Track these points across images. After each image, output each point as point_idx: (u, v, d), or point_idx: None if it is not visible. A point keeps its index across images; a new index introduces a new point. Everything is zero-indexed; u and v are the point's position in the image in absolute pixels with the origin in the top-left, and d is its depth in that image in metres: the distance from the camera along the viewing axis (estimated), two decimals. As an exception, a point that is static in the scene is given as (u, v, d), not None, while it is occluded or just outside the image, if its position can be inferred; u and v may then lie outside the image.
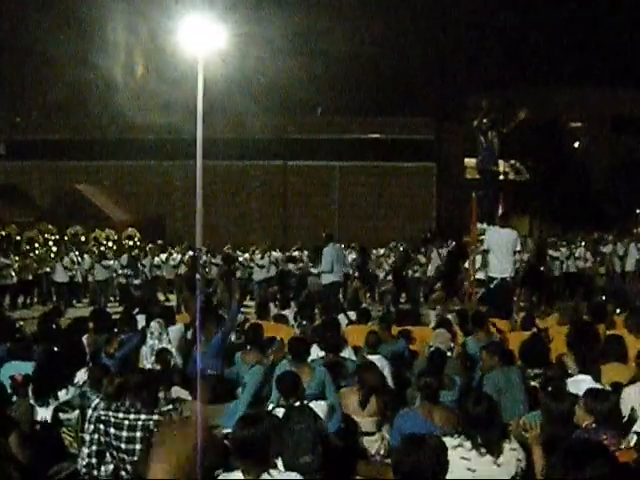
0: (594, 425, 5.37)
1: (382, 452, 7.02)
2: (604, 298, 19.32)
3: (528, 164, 47.02)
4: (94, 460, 6.26)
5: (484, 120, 16.17)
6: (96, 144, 44.61)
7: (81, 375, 8.43)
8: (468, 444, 5.31)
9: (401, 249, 25.08)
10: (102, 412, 6.29)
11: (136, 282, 23.37)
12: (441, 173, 45.31)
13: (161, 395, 7.44)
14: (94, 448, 6.27)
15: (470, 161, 20.28)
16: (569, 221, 39.08)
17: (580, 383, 6.88)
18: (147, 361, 10.51)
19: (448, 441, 5.22)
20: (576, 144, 50.52)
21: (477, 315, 11.15)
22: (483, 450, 5.27)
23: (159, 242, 27.28)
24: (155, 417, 6.19)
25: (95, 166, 45.05)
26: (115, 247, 29.55)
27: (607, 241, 24.81)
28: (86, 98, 41.18)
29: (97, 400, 6.84)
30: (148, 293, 22.02)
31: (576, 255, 23.04)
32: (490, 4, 56.51)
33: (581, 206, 42.58)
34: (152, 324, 11.01)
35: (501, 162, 16.97)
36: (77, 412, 7.00)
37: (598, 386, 6.79)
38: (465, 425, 5.48)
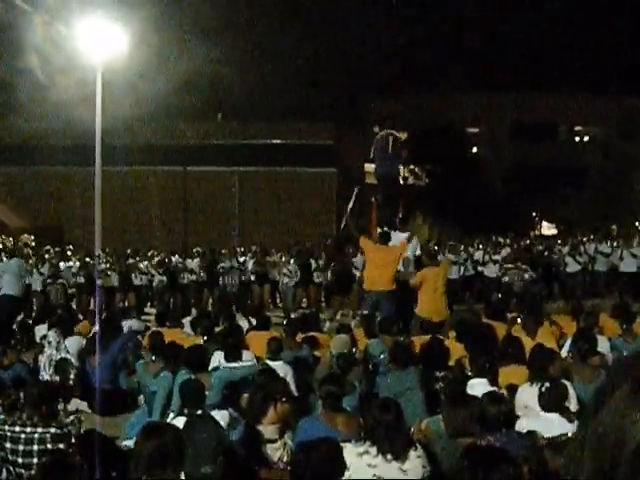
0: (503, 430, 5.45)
1: (285, 459, 7.02)
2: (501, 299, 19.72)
3: (427, 169, 47.69)
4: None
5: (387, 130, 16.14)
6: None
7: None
8: (374, 450, 5.33)
9: (300, 252, 25.01)
10: (-2, 426, 6.16)
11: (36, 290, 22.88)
12: (341, 178, 45.53)
13: (60, 407, 7.32)
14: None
15: (370, 166, 20.46)
16: (468, 225, 39.76)
17: (476, 386, 6.98)
18: (45, 372, 10.32)
19: (353, 448, 5.25)
20: (474, 149, 51.48)
21: (385, 320, 11.28)
22: (389, 456, 5.30)
23: (56, 249, 26.77)
24: (52, 430, 6.08)
25: (-10, 171, 44.03)
26: (10, 254, 28.89)
27: (504, 244, 25.30)
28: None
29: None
30: (46, 301, 21.58)
31: (475, 258, 23.36)
32: (391, 9, 57.16)
33: (480, 210, 43.28)
34: (50, 333, 10.84)
35: (400, 167, 17.06)
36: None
37: (494, 389, 6.91)
38: (371, 431, 5.50)
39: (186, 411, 6.74)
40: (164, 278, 23.51)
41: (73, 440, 6.09)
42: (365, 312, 13.76)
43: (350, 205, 16.36)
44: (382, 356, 9.27)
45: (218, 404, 7.36)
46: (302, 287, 22.62)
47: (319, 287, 23.10)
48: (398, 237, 14.56)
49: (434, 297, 13.16)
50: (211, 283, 23.16)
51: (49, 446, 5.99)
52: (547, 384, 6.43)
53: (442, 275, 13.43)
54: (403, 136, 16.19)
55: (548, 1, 63.53)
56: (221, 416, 6.67)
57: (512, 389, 7.29)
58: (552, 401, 6.31)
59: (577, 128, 53.65)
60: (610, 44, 53.52)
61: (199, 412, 6.53)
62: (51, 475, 4.55)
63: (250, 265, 23.81)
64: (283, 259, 24.68)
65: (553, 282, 23.57)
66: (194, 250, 26.86)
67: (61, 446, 5.97)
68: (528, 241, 20.71)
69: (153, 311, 19.87)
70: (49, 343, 10.61)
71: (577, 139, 54.21)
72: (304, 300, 22.72)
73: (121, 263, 23.67)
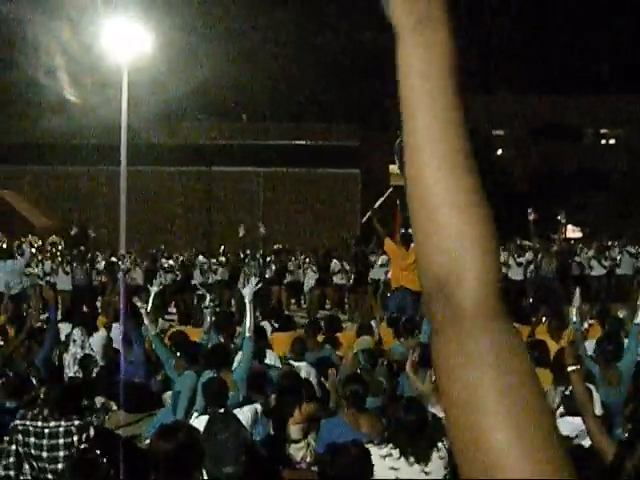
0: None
1: (308, 459, 7.02)
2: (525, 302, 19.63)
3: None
4: (12, 472, 6.12)
5: None
6: (18, 149, 43.77)
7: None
8: (396, 453, 5.30)
9: (322, 254, 24.98)
10: (19, 421, 6.17)
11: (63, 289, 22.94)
12: (365, 179, 45.41)
13: (85, 404, 7.35)
14: (11, 460, 6.13)
15: (394, 167, 20.35)
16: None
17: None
18: (69, 369, 10.37)
19: (376, 450, 5.23)
20: (499, 151, 51.26)
21: (409, 321, 11.23)
22: (412, 459, 5.27)
23: (81, 248, 26.89)
24: (76, 422, 6.10)
25: (17, 171, 44.22)
26: (40, 254, 29.02)
27: (529, 247, 25.14)
28: (8, 101, 40.40)
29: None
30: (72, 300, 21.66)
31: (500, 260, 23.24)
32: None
33: (504, 213, 43.02)
34: (74, 331, 10.88)
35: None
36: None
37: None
38: (393, 433, 5.48)
39: (209, 410, 6.73)
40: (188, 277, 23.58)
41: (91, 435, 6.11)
42: (387, 313, 13.75)
43: (379, 202, 16.34)
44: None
45: (240, 403, 7.35)
46: (322, 288, 22.63)
47: (341, 288, 23.05)
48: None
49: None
50: (234, 283, 23.16)
51: (75, 438, 6.01)
52: (571, 388, 6.37)
53: None
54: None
55: (575, 2, 63.17)
56: (243, 415, 6.62)
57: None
58: (573, 406, 6.25)
59: (603, 131, 53.27)
60: (637, 46, 53.18)
61: (222, 410, 6.51)
62: (78, 473, 4.57)
63: (273, 266, 23.81)
64: (307, 260, 24.66)
65: (578, 285, 23.41)
66: (221, 250, 26.88)
67: (82, 438, 5.99)
68: (553, 244, 20.55)
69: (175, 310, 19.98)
70: (74, 341, 10.66)
71: (603, 142, 53.84)
72: (327, 301, 22.73)
73: (146, 263, 23.76)
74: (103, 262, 24.28)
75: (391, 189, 17.47)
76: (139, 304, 9.82)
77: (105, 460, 4.69)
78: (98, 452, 5.10)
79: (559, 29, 60.02)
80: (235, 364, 8.70)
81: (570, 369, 5.69)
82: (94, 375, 10.23)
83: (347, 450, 4.59)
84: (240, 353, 8.41)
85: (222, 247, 27.24)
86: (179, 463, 4.51)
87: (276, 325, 12.97)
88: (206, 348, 9.31)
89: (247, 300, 7.96)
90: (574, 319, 8.16)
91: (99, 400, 9.16)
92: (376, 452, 5.22)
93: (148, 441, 6.95)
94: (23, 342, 9.98)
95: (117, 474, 4.95)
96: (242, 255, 23.12)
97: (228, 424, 5.87)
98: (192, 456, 4.61)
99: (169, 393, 9.33)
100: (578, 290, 8.37)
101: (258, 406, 6.73)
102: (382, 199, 16.53)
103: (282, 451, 7.05)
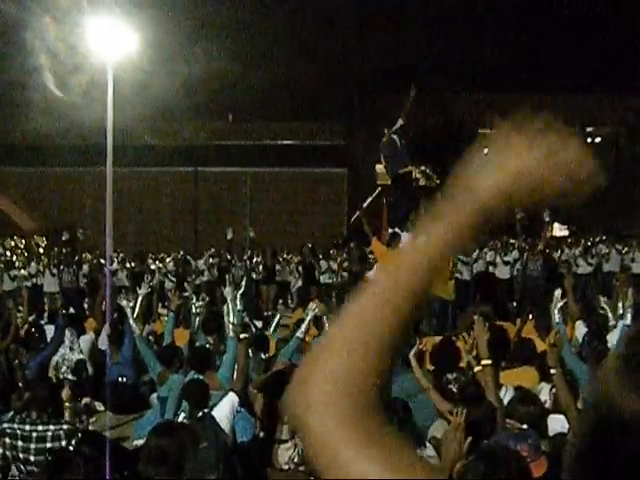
0: (516, 431, 5.40)
1: (296, 460, 7.00)
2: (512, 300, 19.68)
3: (438, 170, 47.56)
4: (-2, 475, 6.10)
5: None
6: (2, 150, 43.60)
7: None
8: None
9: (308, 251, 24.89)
10: (6, 425, 6.14)
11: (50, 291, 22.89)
12: (352, 179, 45.43)
13: (71, 405, 7.31)
14: (-2, 463, 6.11)
15: (381, 167, 20.27)
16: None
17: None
18: (58, 371, 10.33)
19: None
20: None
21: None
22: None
23: (67, 250, 26.82)
24: (65, 427, 6.08)
25: (2, 172, 44.04)
26: (25, 256, 28.95)
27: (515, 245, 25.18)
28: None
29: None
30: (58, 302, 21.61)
31: (486, 259, 23.23)
32: (404, 8, 57.10)
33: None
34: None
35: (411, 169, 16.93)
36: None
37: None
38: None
39: (192, 414, 6.69)
40: (175, 279, 23.52)
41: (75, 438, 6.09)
42: None
43: (368, 201, 16.30)
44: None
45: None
46: (307, 287, 22.60)
47: (328, 287, 23.01)
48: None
49: (445, 276, 13.47)
50: (222, 284, 23.10)
51: (63, 443, 6.00)
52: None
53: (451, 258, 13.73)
54: (400, 123, 15.98)
55: (559, 1, 63.40)
56: (226, 404, 6.54)
57: (520, 390, 7.25)
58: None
59: (588, 129, 53.41)
60: (622, 44, 53.38)
61: (202, 414, 6.44)
62: (53, 473, 4.55)
63: (260, 267, 23.79)
64: (294, 260, 24.66)
65: (563, 284, 23.41)
66: (211, 252, 26.86)
67: (71, 443, 5.97)
68: (539, 242, 20.61)
69: (164, 312, 19.88)
70: (63, 343, 10.62)
71: (588, 140, 53.99)
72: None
73: (133, 264, 23.73)
74: (89, 264, 24.19)
75: (380, 189, 17.41)
76: (124, 303, 9.78)
77: (86, 461, 4.65)
78: (82, 453, 5.06)
79: (543, 28, 60.19)
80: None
81: (552, 372, 5.80)
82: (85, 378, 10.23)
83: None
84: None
85: (212, 249, 27.19)
86: (174, 459, 4.49)
87: (259, 325, 12.97)
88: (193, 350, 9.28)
89: (229, 299, 7.93)
90: (556, 319, 8.22)
91: (84, 401, 9.13)
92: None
93: (137, 442, 6.92)
94: (8, 345, 9.94)
95: (103, 475, 4.92)
96: (229, 256, 23.08)
97: (207, 432, 5.84)
98: (186, 454, 4.60)
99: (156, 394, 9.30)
100: (558, 291, 8.43)
101: (234, 397, 6.65)
102: (371, 199, 16.48)
103: (269, 452, 7.03)
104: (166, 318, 15.47)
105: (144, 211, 44.55)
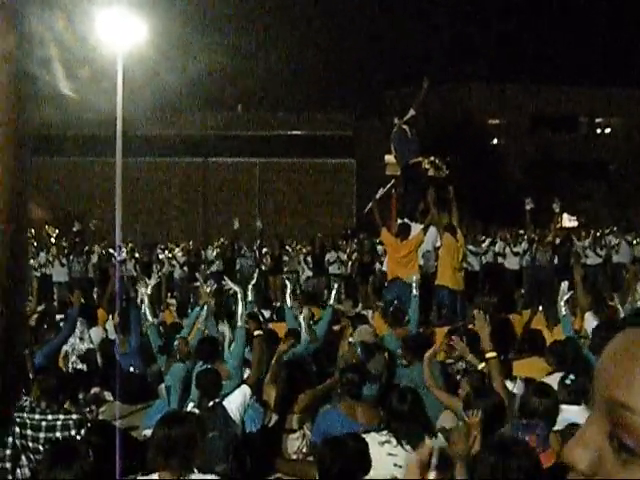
0: (524, 421, 5.37)
1: (304, 450, 7.01)
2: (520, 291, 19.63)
3: (447, 161, 47.43)
4: (8, 465, 6.08)
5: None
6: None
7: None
8: (394, 440, 5.31)
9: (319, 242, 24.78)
10: (16, 414, 6.13)
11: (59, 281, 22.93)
12: (361, 169, 45.39)
13: (80, 396, 7.34)
14: (7, 452, 6.09)
15: (390, 157, 20.22)
16: (488, 217, 39.45)
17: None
18: (68, 361, 10.36)
19: (375, 437, 5.23)
20: (495, 141, 51.17)
21: (396, 311, 11.23)
22: (407, 446, 5.26)
23: (77, 240, 26.84)
24: (74, 416, 6.08)
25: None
26: (34, 246, 28.93)
27: (525, 236, 25.02)
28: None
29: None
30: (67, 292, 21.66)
31: (495, 250, 23.11)
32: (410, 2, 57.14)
33: (500, 203, 42.92)
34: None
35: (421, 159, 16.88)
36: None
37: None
38: (389, 421, 5.47)
39: (202, 403, 6.70)
40: (185, 269, 23.55)
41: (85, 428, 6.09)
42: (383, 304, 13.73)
43: (380, 193, 16.28)
44: (399, 350, 9.20)
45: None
46: (317, 278, 22.56)
47: (337, 278, 22.95)
48: (418, 229, 14.48)
49: (454, 266, 13.53)
50: (229, 274, 23.07)
51: (73, 432, 6.00)
52: (571, 377, 6.36)
53: (461, 248, 13.80)
54: (411, 113, 15.92)
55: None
56: (238, 396, 6.55)
57: (528, 382, 7.23)
58: (572, 394, 6.24)
59: (598, 120, 53.24)
60: (631, 36, 53.27)
61: (213, 404, 6.45)
62: (57, 462, 4.55)
63: (268, 257, 23.74)
64: (303, 251, 24.62)
65: (573, 275, 23.30)
66: (220, 242, 26.83)
67: (80, 433, 5.97)
68: (549, 233, 20.52)
69: (174, 302, 19.92)
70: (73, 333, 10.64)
71: (598, 131, 53.79)
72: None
73: (142, 254, 23.74)
74: (98, 254, 24.19)
75: (393, 180, 17.39)
76: (143, 290, 9.77)
77: (93, 450, 4.65)
78: (90, 443, 5.07)
79: (554, 21, 60.11)
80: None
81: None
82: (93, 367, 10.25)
83: (345, 444, 4.58)
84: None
85: (221, 239, 27.17)
86: (184, 449, 4.49)
87: (267, 315, 12.98)
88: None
89: (237, 289, 7.92)
90: (563, 312, 8.22)
91: (94, 391, 9.15)
92: (375, 438, 5.22)
93: (146, 432, 6.94)
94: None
95: (111, 465, 4.93)
96: (237, 247, 23.06)
97: (216, 421, 5.86)
98: (195, 444, 4.60)
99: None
100: (565, 284, 8.42)
101: (247, 389, 6.67)
102: (384, 190, 16.46)
103: (278, 442, 7.04)
104: (174, 308, 15.59)
105: (154, 201, 44.60)
